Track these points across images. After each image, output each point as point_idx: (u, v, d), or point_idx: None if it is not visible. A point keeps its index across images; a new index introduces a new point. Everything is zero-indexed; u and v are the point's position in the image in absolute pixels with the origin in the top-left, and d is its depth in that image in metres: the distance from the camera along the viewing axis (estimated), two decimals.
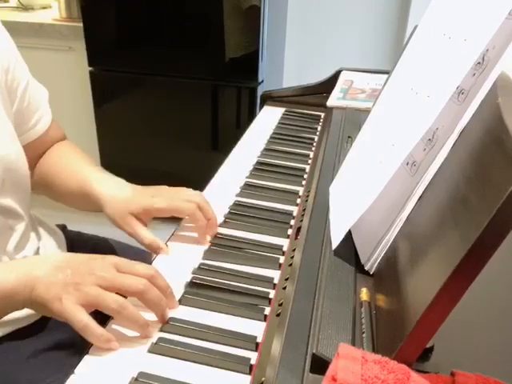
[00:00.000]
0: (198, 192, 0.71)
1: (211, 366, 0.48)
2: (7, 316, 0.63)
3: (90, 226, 0.99)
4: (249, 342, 0.51)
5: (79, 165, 0.78)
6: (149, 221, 0.69)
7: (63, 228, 0.88)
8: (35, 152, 0.79)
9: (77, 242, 0.86)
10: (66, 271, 0.52)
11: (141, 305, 0.52)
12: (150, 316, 0.53)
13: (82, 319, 0.49)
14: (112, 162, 1.95)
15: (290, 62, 2.14)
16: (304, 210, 0.70)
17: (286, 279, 0.57)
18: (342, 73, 1.14)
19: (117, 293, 0.52)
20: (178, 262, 0.64)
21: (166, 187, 0.71)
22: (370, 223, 0.52)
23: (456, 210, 0.38)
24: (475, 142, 0.40)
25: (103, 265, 0.53)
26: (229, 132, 1.87)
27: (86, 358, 0.49)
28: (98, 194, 0.70)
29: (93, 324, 0.49)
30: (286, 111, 1.14)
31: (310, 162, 0.91)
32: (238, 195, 0.79)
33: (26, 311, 0.66)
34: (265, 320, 0.54)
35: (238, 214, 0.74)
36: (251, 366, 0.48)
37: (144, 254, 0.86)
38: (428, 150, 0.46)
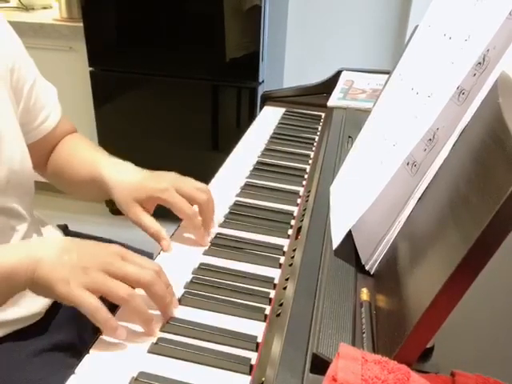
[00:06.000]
0: (205, 187, 0.69)
1: (211, 366, 0.48)
2: (8, 316, 0.63)
3: (91, 226, 0.99)
4: (249, 342, 0.51)
5: (89, 152, 0.78)
6: (153, 208, 0.69)
7: (64, 228, 0.89)
8: (45, 149, 0.80)
9: None
10: (72, 254, 0.51)
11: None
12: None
13: (92, 302, 0.48)
14: None
15: (290, 62, 2.14)
16: (304, 210, 0.70)
17: (287, 279, 0.57)
18: (343, 73, 1.14)
19: None
20: (178, 261, 0.64)
21: (174, 174, 0.69)
22: (371, 223, 0.52)
23: (456, 210, 0.38)
24: (476, 142, 0.40)
25: (109, 251, 0.52)
26: (229, 132, 1.87)
27: (87, 357, 0.49)
28: (106, 178, 0.70)
29: (103, 308, 0.49)
30: (286, 111, 1.14)
31: (310, 162, 0.91)
32: (238, 195, 0.79)
33: (27, 312, 0.66)
34: (265, 320, 0.54)
35: (239, 214, 0.74)
36: (251, 366, 0.48)
37: (145, 255, 0.86)
38: (428, 150, 0.46)
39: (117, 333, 0.49)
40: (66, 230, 0.88)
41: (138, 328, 0.52)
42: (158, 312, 0.53)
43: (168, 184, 0.66)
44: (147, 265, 0.53)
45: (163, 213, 0.71)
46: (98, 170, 0.71)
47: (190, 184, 0.68)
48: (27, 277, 0.51)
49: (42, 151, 0.78)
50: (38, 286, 0.52)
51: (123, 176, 0.69)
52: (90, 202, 0.84)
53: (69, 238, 0.56)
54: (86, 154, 0.78)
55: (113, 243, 0.89)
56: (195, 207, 0.67)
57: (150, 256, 0.83)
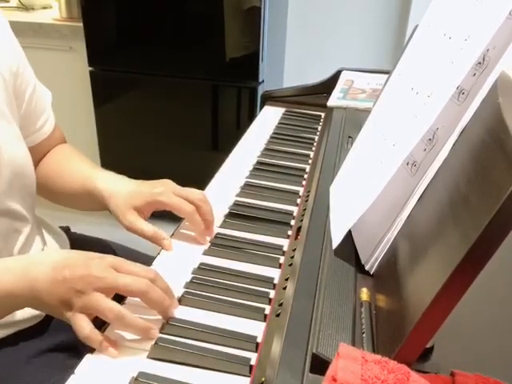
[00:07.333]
0: (200, 192, 0.70)
1: (211, 365, 0.48)
2: (9, 318, 0.63)
3: (93, 227, 0.99)
4: (249, 342, 0.51)
5: (81, 165, 0.78)
6: (148, 215, 0.69)
7: (66, 230, 0.88)
8: (39, 154, 0.80)
9: (80, 244, 0.86)
10: (64, 272, 0.51)
11: (143, 305, 0.52)
12: (152, 316, 0.53)
13: (84, 328, 0.50)
14: (112, 162, 1.95)
15: (290, 62, 2.14)
16: (304, 209, 0.70)
17: (286, 279, 0.57)
18: (343, 73, 1.14)
19: (117, 294, 0.52)
20: (178, 261, 0.64)
21: (170, 181, 0.70)
22: (371, 223, 0.52)
23: (456, 210, 0.38)
24: (475, 142, 0.40)
25: (102, 265, 0.52)
26: (229, 132, 1.87)
27: (87, 357, 0.49)
28: (101, 190, 0.70)
29: (94, 332, 0.50)
30: (286, 111, 1.14)
31: (310, 162, 0.91)
32: (238, 195, 0.79)
33: (28, 313, 0.66)
34: (265, 320, 0.54)
35: (238, 214, 0.74)
36: (251, 367, 0.48)
37: (146, 258, 0.86)
38: (428, 150, 0.46)
39: (108, 351, 0.49)
40: (68, 232, 0.88)
41: None
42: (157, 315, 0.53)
43: (163, 188, 0.67)
44: (142, 273, 0.53)
45: (161, 214, 0.71)
46: (92, 183, 0.72)
47: (184, 190, 0.69)
48: (26, 298, 0.53)
49: (35, 159, 0.77)
50: (35, 306, 0.54)
51: (119, 186, 0.70)
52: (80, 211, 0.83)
53: (60, 253, 0.56)
54: (77, 167, 0.78)
55: (112, 244, 0.90)
56: None
57: (150, 257, 0.83)
